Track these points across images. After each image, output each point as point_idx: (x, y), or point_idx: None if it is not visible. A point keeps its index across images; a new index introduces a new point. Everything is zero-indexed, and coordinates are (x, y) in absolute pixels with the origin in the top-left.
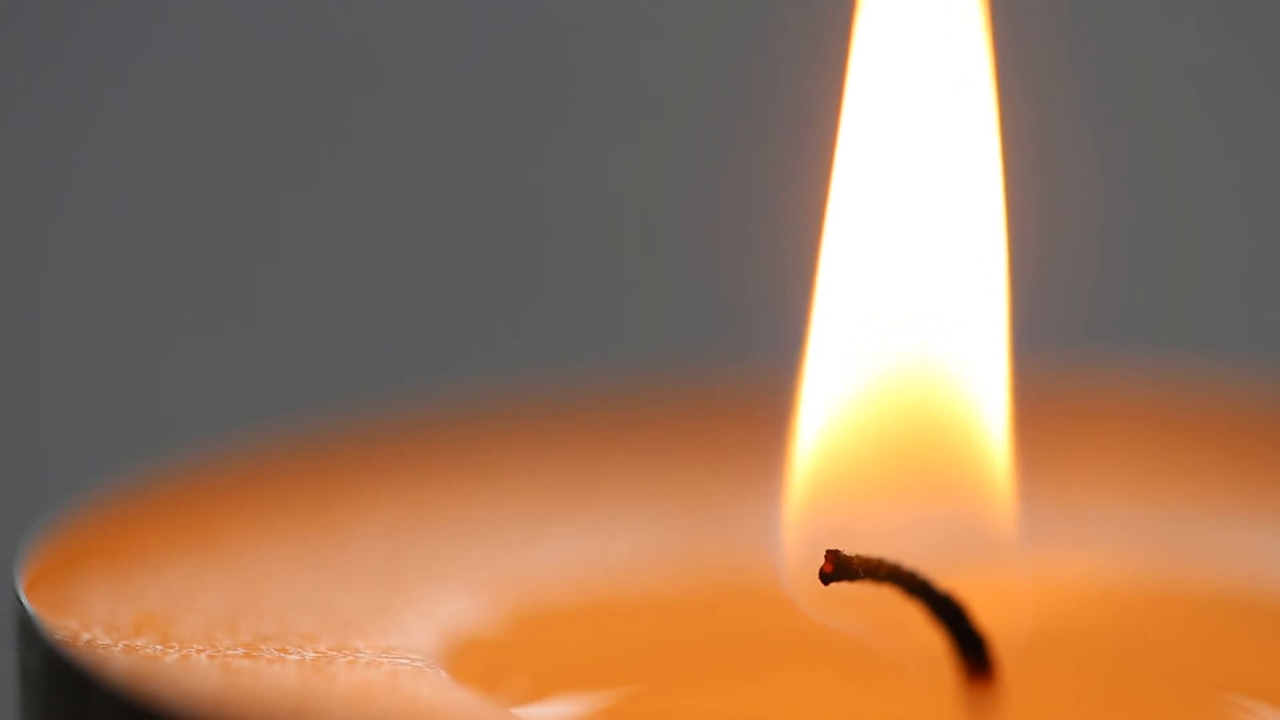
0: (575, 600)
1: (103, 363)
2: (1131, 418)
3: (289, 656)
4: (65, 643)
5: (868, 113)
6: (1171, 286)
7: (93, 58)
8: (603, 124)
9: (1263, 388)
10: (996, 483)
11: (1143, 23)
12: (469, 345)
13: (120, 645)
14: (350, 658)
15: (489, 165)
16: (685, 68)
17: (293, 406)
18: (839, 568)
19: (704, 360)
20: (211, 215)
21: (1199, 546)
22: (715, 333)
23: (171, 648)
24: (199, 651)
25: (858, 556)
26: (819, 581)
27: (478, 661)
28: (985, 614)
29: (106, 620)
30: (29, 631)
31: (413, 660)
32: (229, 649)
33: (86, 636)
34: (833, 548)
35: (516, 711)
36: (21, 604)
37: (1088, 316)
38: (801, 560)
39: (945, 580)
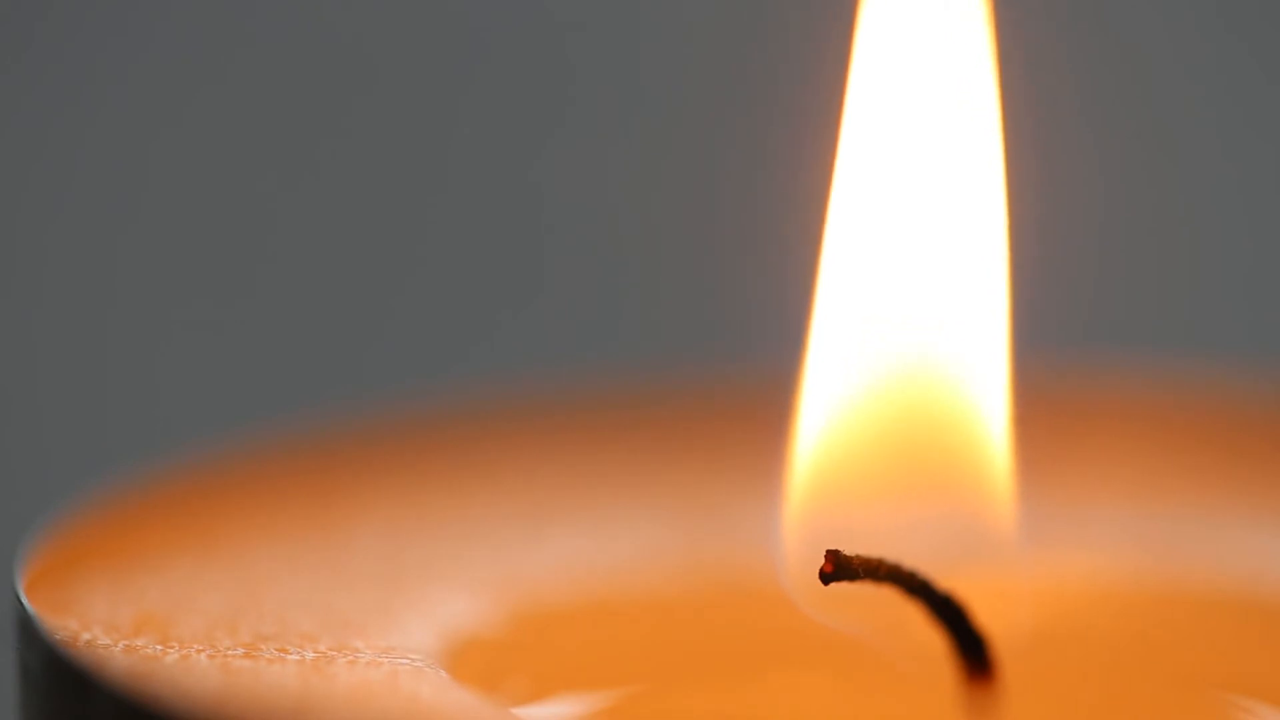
0: (575, 600)
1: (103, 363)
2: (1131, 418)
3: (289, 656)
4: (65, 643)
5: (869, 113)
6: (1171, 286)
7: (93, 58)
8: (603, 124)
9: (1263, 388)
10: (996, 483)
11: (1143, 23)
12: (469, 345)
13: (120, 645)
14: (350, 658)
15: (489, 165)
16: (685, 68)
17: (293, 406)
18: (839, 568)
19: (704, 360)
20: (211, 215)
21: (1199, 546)
22: (715, 333)
23: (171, 648)
24: (199, 651)
25: (858, 556)
26: (819, 581)
27: (478, 661)
28: (985, 614)
29: (106, 620)
30: (29, 631)
31: (413, 660)
32: (229, 649)
33: (86, 636)
34: (833, 548)
35: (516, 711)
36: (21, 604)
37: (1088, 316)
38: (801, 560)
39: (945, 580)
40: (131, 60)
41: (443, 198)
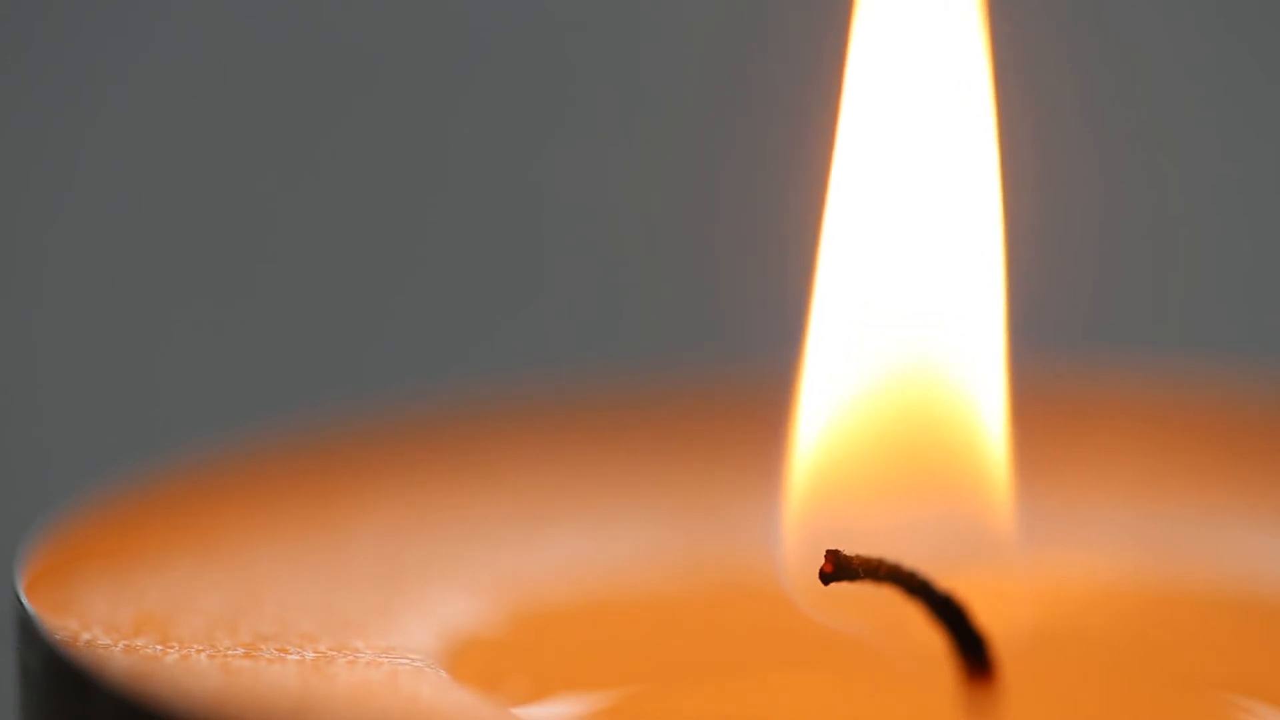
0: (575, 600)
1: (103, 363)
2: (1131, 418)
3: (289, 656)
4: (65, 643)
5: (866, 112)
6: (1171, 286)
7: (93, 58)
8: (603, 124)
9: (1263, 388)
10: (996, 483)
11: (1143, 23)
12: (469, 345)
13: (120, 645)
14: (350, 658)
15: (489, 165)
16: (685, 68)
17: (293, 406)
18: (839, 568)
19: (704, 360)
20: (211, 215)
21: (1199, 546)
22: (715, 333)
23: (171, 648)
24: (199, 651)
25: (858, 556)
26: (819, 581)
27: (478, 661)
28: (985, 614)
29: (106, 620)
30: (29, 631)
31: (413, 660)
32: (229, 649)
33: (86, 636)
34: (833, 548)
35: (516, 711)
36: (21, 604)
37: (1088, 316)
38: (801, 560)
39: (945, 580)
40: (131, 60)
41: (443, 198)
